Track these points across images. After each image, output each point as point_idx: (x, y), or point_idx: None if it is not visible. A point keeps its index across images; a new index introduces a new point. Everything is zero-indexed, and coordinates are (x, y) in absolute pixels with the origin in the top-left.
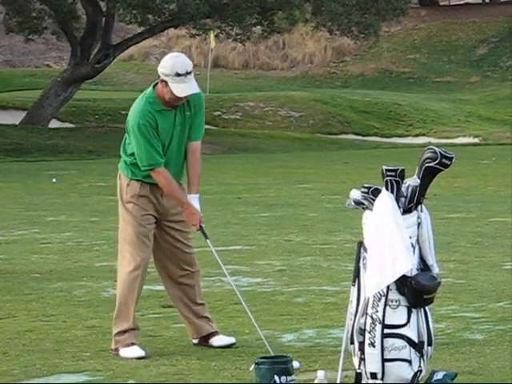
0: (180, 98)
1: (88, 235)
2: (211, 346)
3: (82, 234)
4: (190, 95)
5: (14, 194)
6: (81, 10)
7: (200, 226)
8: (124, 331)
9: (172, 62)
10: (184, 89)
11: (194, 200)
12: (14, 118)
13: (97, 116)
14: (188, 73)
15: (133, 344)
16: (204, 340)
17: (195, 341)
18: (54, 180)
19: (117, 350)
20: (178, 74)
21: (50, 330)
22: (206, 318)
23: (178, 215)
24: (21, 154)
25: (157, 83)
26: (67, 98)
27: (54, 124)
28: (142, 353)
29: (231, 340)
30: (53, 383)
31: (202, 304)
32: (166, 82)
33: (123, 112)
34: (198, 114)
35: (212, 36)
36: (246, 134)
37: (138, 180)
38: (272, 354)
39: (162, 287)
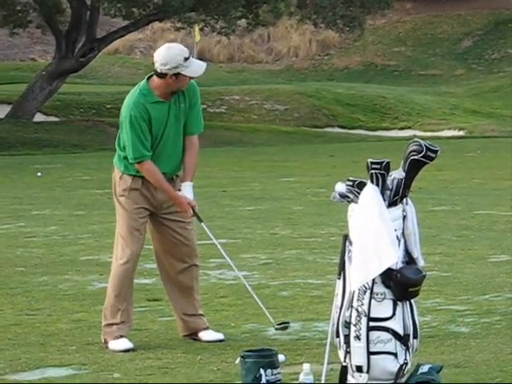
0: (186, 83)
1: (73, 229)
2: (199, 340)
3: (67, 227)
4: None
5: None
6: (65, 3)
7: (193, 210)
8: (112, 324)
9: (174, 52)
10: (198, 68)
11: (187, 187)
12: None
13: (82, 110)
14: (190, 53)
15: (121, 336)
16: (193, 334)
17: (184, 333)
18: (38, 174)
19: (106, 341)
20: (186, 58)
21: (35, 324)
22: (200, 315)
23: (174, 206)
24: (5, 148)
25: (151, 76)
26: (52, 91)
27: (39, 118)
28: (130, 345)
29: (220, 336)
30: (38, 377)
31: (197, 300)
32: (176, 76)
33: (108, 106)
34: (194, 107)
35: (197, 29)
36: (231, 128)
37: (130, 174)
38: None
39: (147, 281)
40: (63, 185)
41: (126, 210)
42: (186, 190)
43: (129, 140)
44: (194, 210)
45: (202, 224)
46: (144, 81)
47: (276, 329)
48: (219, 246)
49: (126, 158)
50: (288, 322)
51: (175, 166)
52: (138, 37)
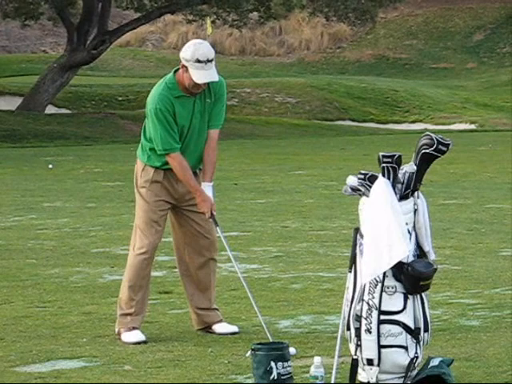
0: (199, 85)
1: (84, 221)
2: (213, 333)
3: (79, 219)
4: (211, 82)
5: (10, 180)
6: None
7: (211, 213)
8: (126, 314)
9: (194, 49)
10: (203, 76)
11: (207, 188)
12: (10, 103)
13: (93, 102)
14: (209, 60)
15: (134, 328)
16: (207, 327)
17: (198, 327)
18: (50, 166)
19: (119, 332)
20: (198, 61)
21: (46, 316)
22: (214, 309)
23: (195, 199)
24: (17, 140)
25: (178, 69)
26: (63, 83)
27: (50, 110)
28: (142, 337)
29: (234, 329)
30: (49, 369)
31: (213, 294)
32: (186, 68)
33: (119, 98)
34: (218, 102)
35: (208, 22)
36: (243, 121)
37: (152, 166)
38: (271, 340)
39: (158, 273)
40: (75, 177)
41: (146, 201)
42: (207, 191)
43: (157, 133)
44: (212, 212)
45: (218, 228)
46: (171, 74)
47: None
48: (227, 246)
49: (151, 149)
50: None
51: (197, 160)
52: (150, 29)
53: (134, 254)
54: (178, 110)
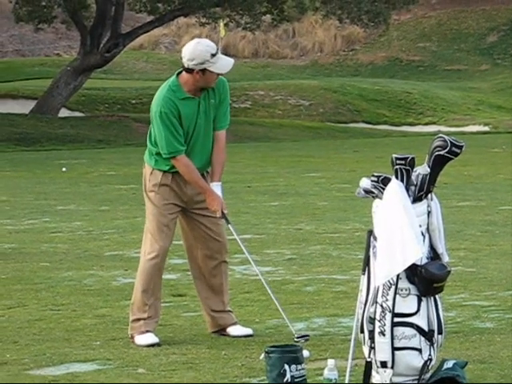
0: (213, 82)
1: (98, 224)
2: (228, 336)
3: (92, 223)
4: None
5: (24, 184)
6: None
7: (222, 211)
8: (139, 319)
9: (202, 48)
10: (224, 64)
11: (216, 188)
12: (24, 107)
13: (107, 105)
14: (217, 49)
15: (147, 331)
16: (222, 330)
17: (213, 330)
18: (63, 169)
19: (132, 336)
20: (213, 55)
21: (60, 319)
22: (228, 311)
23: (205, 202)
24: (31, 143)
25: (180, 71)
26: (77, 87)
27: (64, 113)
28: (155, 340)
29: (248, 331)
30: (63, 372)
31: (226, 296)
32: (202, 71)
33: (133, 101)
34: (223, 103)
35: (222, 25)
36: (256, 123)
37: (160, 170)
38: (295, 335)
39: (172, 276)
40: (88, 180)
41: (155, 205)
42: (216, 190)
43: (161, 136)
44: (222, 211)
45: (230, 226)
46: (173, 76)
47: (295, 341)
48: (244, 249)
49: (157, 153)
50: (308, 335)
51: (205, 161)
52: (163, 32)
53: (146, 258)
54: (182, 112)
